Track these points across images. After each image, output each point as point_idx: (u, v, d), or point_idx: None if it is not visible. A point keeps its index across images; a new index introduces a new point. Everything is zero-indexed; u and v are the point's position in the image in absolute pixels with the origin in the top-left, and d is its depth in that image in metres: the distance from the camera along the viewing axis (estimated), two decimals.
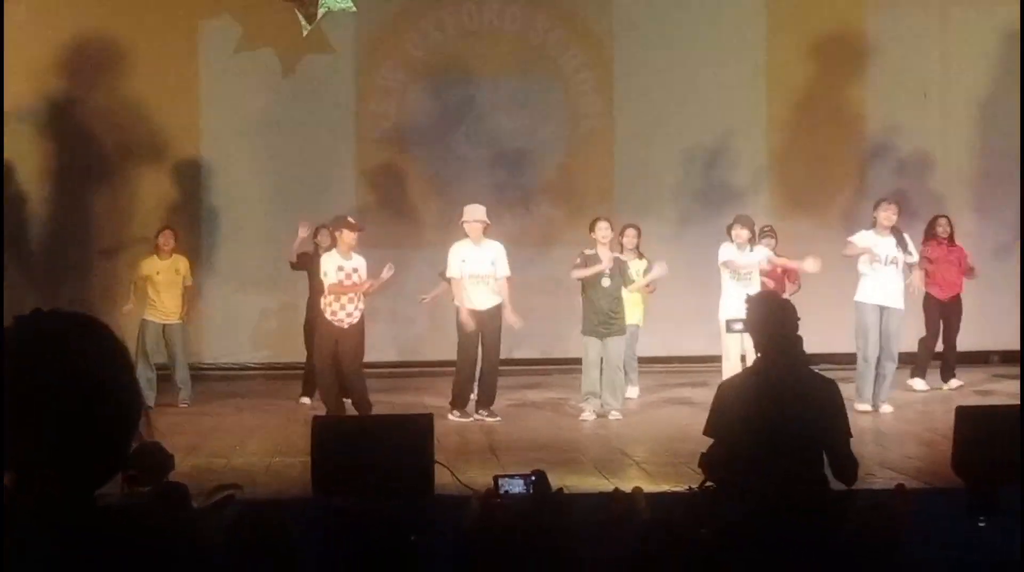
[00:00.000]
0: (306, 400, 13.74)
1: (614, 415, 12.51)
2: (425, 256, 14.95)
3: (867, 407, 12.67)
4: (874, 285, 12.82)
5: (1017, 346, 16.20)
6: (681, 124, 16.66)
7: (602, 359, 12.63)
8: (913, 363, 14.42)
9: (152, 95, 16.10)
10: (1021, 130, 15.14)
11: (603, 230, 12.72)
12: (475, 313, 12.63)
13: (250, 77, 16.35)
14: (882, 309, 12.82)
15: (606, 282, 12.60)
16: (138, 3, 16.06)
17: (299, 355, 14.24)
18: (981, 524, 7.34)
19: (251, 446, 11.15)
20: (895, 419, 12.44)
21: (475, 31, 16.81)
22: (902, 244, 12.94)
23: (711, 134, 16.72)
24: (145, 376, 13.00)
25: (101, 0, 16.01)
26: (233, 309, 16.29)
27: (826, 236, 15.60)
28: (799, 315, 6.61)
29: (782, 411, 6.27)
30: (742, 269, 12.75)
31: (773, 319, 6.49)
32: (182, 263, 13.95)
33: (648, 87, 16.70)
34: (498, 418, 12.53)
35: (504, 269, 12.77)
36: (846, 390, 12.89)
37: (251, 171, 16.48)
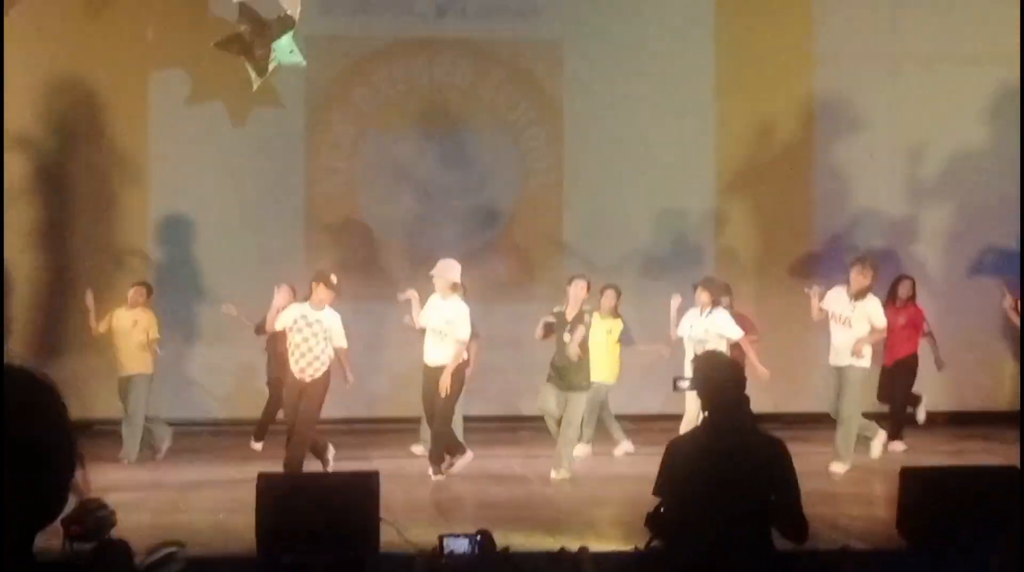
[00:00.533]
0: (258, 445, 13.80)
1: (560, 473, 12.42)
2: (374, 309, 14.92)
3: (839, 466, 12.72)
4: (834, 345, 12.92)
5: (959, 408, 16.35)
6: (631, 181, 16.72)
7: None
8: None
9: (102, 146, 16.04)
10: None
11: (576, 287, 12.73)
12: (430, 369, 12.58)
13: (200, 130, 16.31)
14: (836, 369, 12.90)
15: (567, 337, 12.60)
16: (89, 55, 16.02)
17: (245, 411, 14.20)
18: None
19: (195, 502, 11.06)
20: (841, 481, 12.45)
21: (426, 86, 16.84)
22: (862, 305, 12.92)
23: (660, 192, 16.76)
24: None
25: (52, 50, 15.95)
26: (180, 364, 16.18)
27: (775, 294, 15.70)
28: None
29: (729, 471, 6.26)
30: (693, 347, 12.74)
31: (719, 378, 6.50)
32: (143, 315, 13.88)
33: (598, 144, 16.76)
34: (442, 476, 12.43)
35: (461, 332, 12.67)
36: (811, 450, 13.11)
37: (200, 225, 16.42)
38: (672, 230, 16.81)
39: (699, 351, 12.03)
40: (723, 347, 12.52)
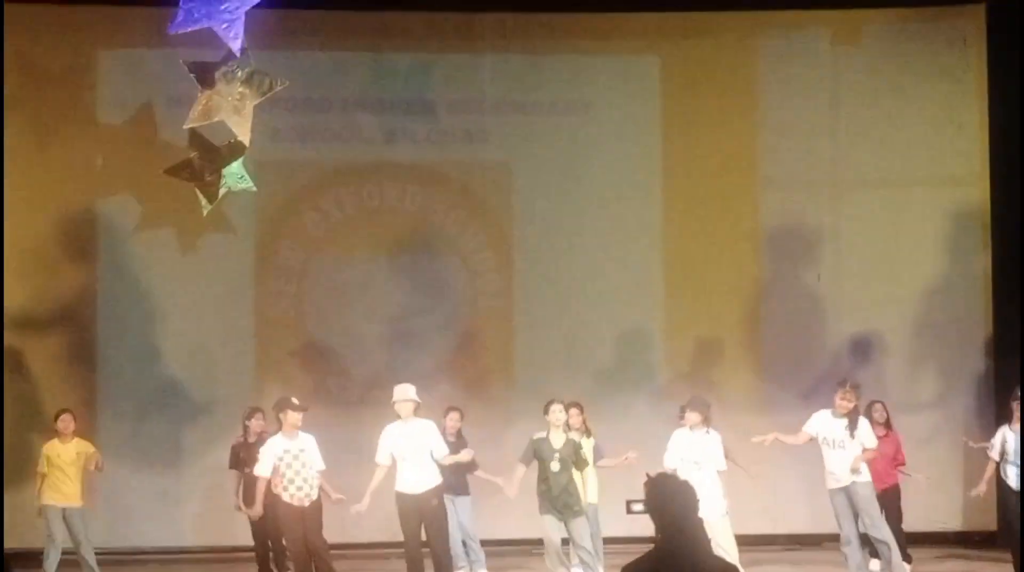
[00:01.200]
0: None
1: None
2: (323, 438, 14.80)
3: None
4: (829, 471, 12.95)
5: (930, 529, 16.26)
6: (581, 304, 16.76)
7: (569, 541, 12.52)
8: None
9: (50, 271, 15.95)
10: None
11: (556, 413, 12.64)
12: (412, 497, 12.42)
13: (150, 254, 16.29)
14: (843, 490, 12.88)
15: (555, 467, 12.49)
16: (36, 180, 15.96)
17: (198, 539, 14.00)
18: None
19: None
20: None
21: (375, 209, 16.87)
22: (853, 427, 12.98)
23: (612, 313, 16.80)
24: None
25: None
26: (130, 491, 15.99)
27: (724, 416, 15.66)
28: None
29: None
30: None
31: (672, 501, 6.43)
32: (84, 446, 13.76)
33: (548, 267, 16.81)
34: None
35: (440, 449, 12.59)
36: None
37: (148, 351, 16.32)
38: (623, 350, 16.79)
39: (695, 473, 12.00)
40: (714, 471, 12.51)
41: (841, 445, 12.90)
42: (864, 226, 17.09)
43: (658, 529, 6.41)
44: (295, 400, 12.58)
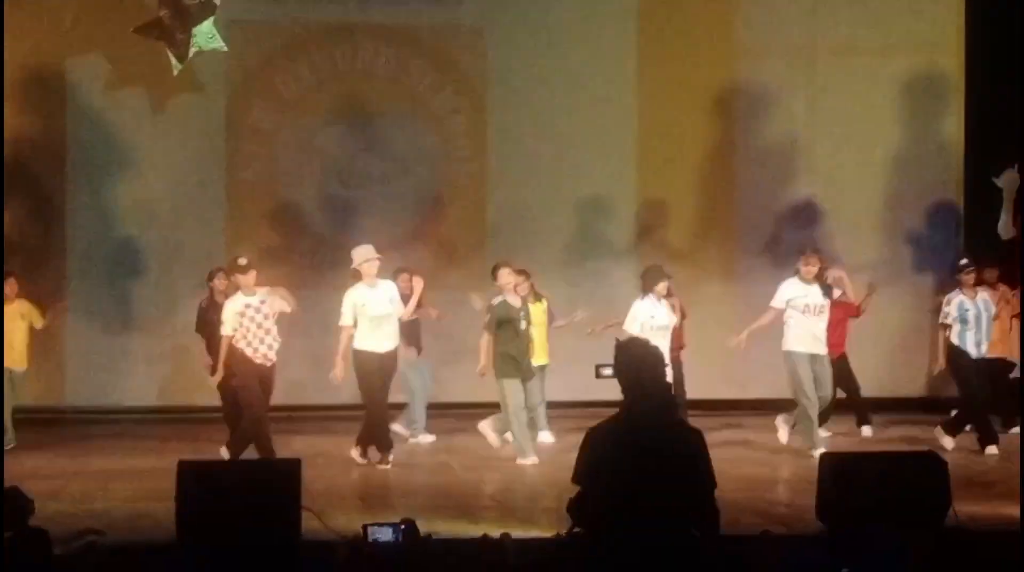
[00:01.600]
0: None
1: (530, 459, 12.43)
2: (297, 298, 14.84)
3: (822, 450, 12.80)
4: (802, 333, 12.99)
5: (882, 394, 16.51)
6: (554, 168, 16.74)
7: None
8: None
9: (20, 129, 15.84)
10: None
11: (506, 276, 12.68)
12: (376, 356, 12.46)
13: (119, 114, 16.19)
14: (811, 356, 12.97)
15: (523, 325, 12.60)
16: (8, 37, 15.79)
17: (164, 399, 14.11)
18: None
19: (115, 491, 10.96)
20: (763, 467, 12.53)
21: (348, 73, 16.76)
22: (827, 293, 13.13)
23: (584, 180, 16.80)
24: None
25: None
26: (98, 351, 16.06)
27: (695, 282, 15.78)
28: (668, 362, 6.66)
29: (645, 459, 6.26)
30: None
31: (637, 365, 6.48)
32: (25, 307, 13.75)
33: (521, 132, 16.77)
34: (390, 465, 12.38)
35: (401, 307, 12.67)
36: (731, 437, 13.17)
37: (119, 210, 16.29)
38: (594, 217, 16.83)
39: (662, 338, 12.13)
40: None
41: (820, 311, 13.02)
42: (838, 93, 17.11)
43: (625, 392, 6.47)
44: (241, 261, 12.50)
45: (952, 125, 17.19)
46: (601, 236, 16.80)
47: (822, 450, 12.56)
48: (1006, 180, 16.25)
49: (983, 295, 13.75)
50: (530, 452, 12.48)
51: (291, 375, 14.85)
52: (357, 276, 12.55)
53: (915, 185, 17.15)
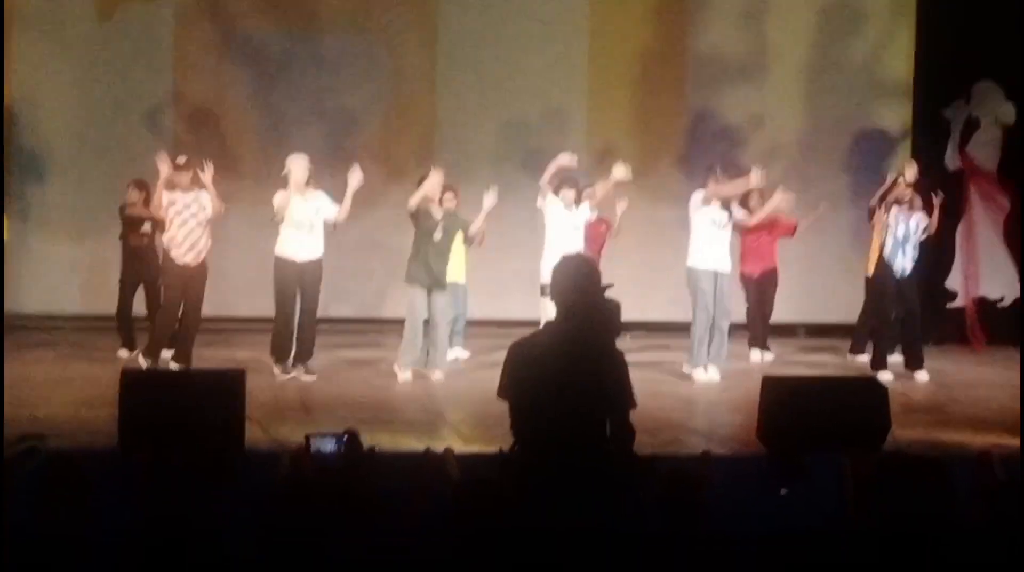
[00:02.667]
0: (124, 352, 13.65)
1: (437, 375, 12.49)
2: (241, 211, 14.78)
3: (702, 374, 12.83)
4: (707, 251, 12.98)
5: (825, 319, 16.66)
6: (503, 89, 16.69)
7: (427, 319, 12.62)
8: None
9: None
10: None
11: (434, 179, 12.66)
12: (294, 264, 12.46)
13: (66, 22, 16.01)
14: (715, 274, 13.00)
15: (438, 235, 12.58)
16: None
17: (106, 306, 14.07)
18: (783, 492, 7.50)
19: (58, 397, 10.94)
20: (706, 387, 12.62)
21: None
22: (727, 207, 13.16)
23: (533, 99, 16.77)
24: None
25: None
26: (42, 257, 15.98)
27: (642, 203, 15.78)
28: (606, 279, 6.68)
29: (565, 376, 6.32)
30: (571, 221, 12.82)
31: (572, 282, 6.52)
32: None
33: (471, 51, 16.69)
34: (314, 376, 12.44)
35: (331, 212, 12.56)
36: (680, 358, 13.25)
37: (64, 119, 16.16)
38: (543, 136, 16.78)
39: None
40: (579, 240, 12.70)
41: (725, 225, 13.08)
42: (791, 14, 17.11)
43: (557, 307, 6.50)
44: (180, 159, 12.50)
45: (903, 56, 17.20)
46: (550, 157, 16.72)
47: (699, 371, 12.71)
48: (955, 112, 16.38)
49: (917, 217, 13.75)
50: (405, 369, 12.51)
51: (225, 286, 14.82)
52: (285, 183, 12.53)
53: (864, 115, 17.19)
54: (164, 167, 12.57)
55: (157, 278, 13.46)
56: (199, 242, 12.41)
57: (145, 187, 13.60)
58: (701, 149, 16.86)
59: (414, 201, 12.55)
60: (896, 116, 17.25)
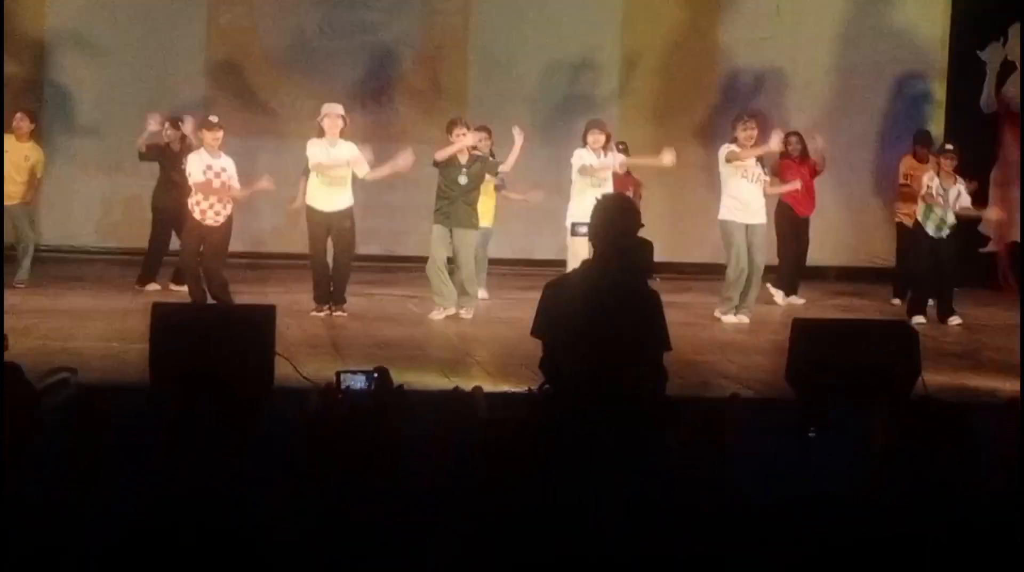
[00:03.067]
0: (153, 286, 13.69)
1: (464, 313, 12.51)
2: (275, 146, 14.82)
3: (732, 318, 12.83)
4: (738, 203, 12.89)
5: (855, 263, 16.63)
6: (538, 29, 16.65)
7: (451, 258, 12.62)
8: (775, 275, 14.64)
9: None
10: None
11: (461, 131, 12.61)
12: (323, 214, 12.48)
13: None
14: (747, 226, 12.93)
15: (463, 179, 12.54)
16: None
17: (140, 241, 14.11)
18: (811, 435, 7.49)
19: (88, 330, 10.99)
20: (737, 330, 12.61)
21: None
22: (760, 161, 13.05)
23: (566, 40, 16.70)
24: None
25: None
26: (74, 192, 16.07)
27: (676, 146, 15.70)
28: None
29: (601, 316, 6.30)
30: (599, 172, 12.73)
31: (611, 222, 6.48)
32: (35, 152, 13.77)
33: None
34: (345, 313, 12.49)
35: (363, 169, 12.60)
36: (709, 300, 13.24)
37: (96, 54, 16.18)
38: (576, 74, 16.74)
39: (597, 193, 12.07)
40: (608, 184, 12.63)
41: (757, 179, 12.98)
42: None
43: (595, 247, 6.47)
44: (212, 118, 12.51)
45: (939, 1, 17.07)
46: (582, 94, 16.71)
47: (731, 318, 12.71)
48: (990, 54, 16.21)
49: (959, 186, 13.49)
50: (443, 305, 12.52)
51: (264, 224, 14.86)
52: (320, 132, 12.51)
53: (899, 57, 17.07)
54: (188, 128, 12.73)
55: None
56: (223, 206, 12.38)
57: (179, 125, 13.62)
58: (732, 93, 16.79)
59: (441, 155, 12.50)
60: (931, 60, 17.13)
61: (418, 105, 16.36)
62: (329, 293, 12.60)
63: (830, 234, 15.93)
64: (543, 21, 16.62)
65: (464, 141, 12.51)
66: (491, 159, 13.03)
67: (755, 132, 12.92)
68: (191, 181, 12.29)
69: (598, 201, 6.67)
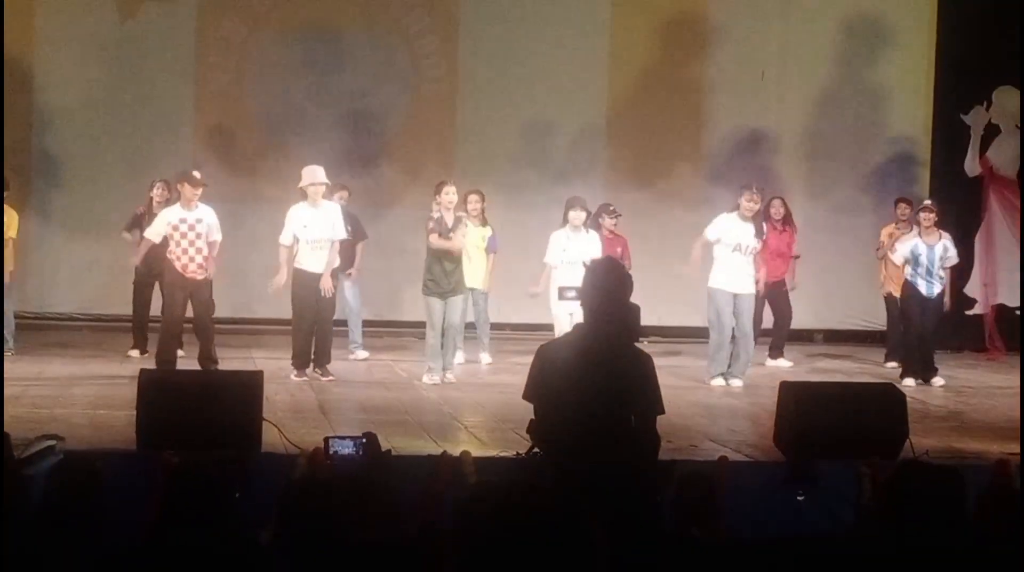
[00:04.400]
0: (135, 353, 13.66)
1: (448, 377, 12.50)
2: (261, 212, 14.81)
3: (720, 382, 12.82)
4: (727, 273, 12.88)
5: (840, 326, 16.66)
6: (523, 93, 16.70)
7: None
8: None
9: None
10: None
11: (449, 195, 12.62)
12: (312, 276, 12.51)
13: (88, 22, 16.05)
14: (734, 296, 12.93)
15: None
16: None
17: (126, 307, 14.11)
18: (799, 498, 7.49)
19: (75, 397, 10.96)
20: (725, 393, 12.60)
21: None
22: (759, 233, 13.03)
23: (552, 105, 16.77)
24: None
25: None
26: (62, 258, 16.03)
27: (661, 210, 15.81)
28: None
29: (594, 379, 6.28)
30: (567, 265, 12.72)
31: (602, 286, 6.48)
32: (7, 213, 13.68)
33: (492, 54, 16.72)
34: (332, 377, 12.46)
35: (342, 232, 12.69)
36: (696, 364, 13.23)
37: (86, 119, 16.20)
38: (562, 140, 16.81)
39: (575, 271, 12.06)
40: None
41: (750, 252, 12.95)
42: (808, 25, 17.12)
43: (586, 311, 6.47)
44: (196, 174, 12.60)
45: (923, 61, 17.18)
46: (570, 162, 16.75)
47: (719, 382, 12.70)
48: (974, 117, 16.31)
49: (944, 242, 13.53)
50: (433, 372, 12.51)
51: (251, 288, 14.85)
52: (303, 195, 12.58)
53: (883, 121, 17.18)
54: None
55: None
56: (203, 258, 12.41)
57: (170, 186, 13.66)
58: (716, 157, 16.88)
59: (436, 244, 12.52)
60: (915, 123, 17.22)
61: (405, 170, 16.41)
62: (309, 357, 12.58)
63: (816, 297, 15.96)
64: (528, 86, 16.69)
65: (455, 243, 12.50)
66: (466, 225, 13.00)
67: (758, 205, 12.95)
68: (145, 234, 12.40)
69: (588, 265, 6.69)
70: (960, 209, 15.70)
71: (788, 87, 17.14)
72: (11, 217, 13.62)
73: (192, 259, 12.32)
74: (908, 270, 13.43)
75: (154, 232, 12.47)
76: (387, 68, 16.67)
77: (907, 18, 17.18)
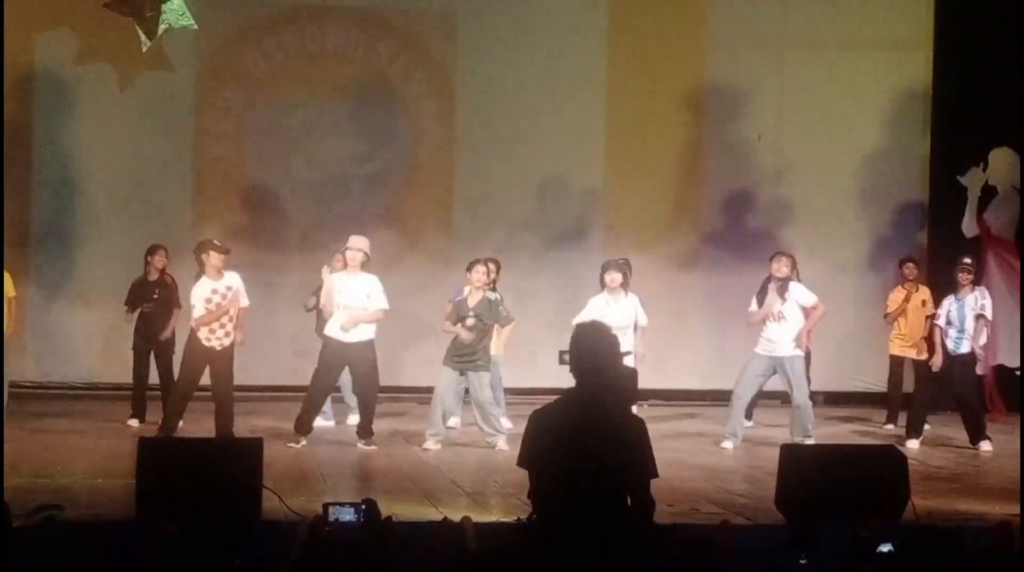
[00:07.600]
0: (134, 422, 13.62)
1: (497, 443, 12.41)
2: (259, 278, 14.81)
3: (728, 445, 12.80)
4: (766, 340, 12.95)
5: (840, 388, 16.64)
6: (522, 156, 16.77)
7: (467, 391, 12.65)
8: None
9: None
10: None
11: (479, 274, 12.65)
12: (343, 345, 12.48)
13: (87, 90, 16.12)
14: (770, 358, 12.95)
15: (470, 321, 12.54)
16: None
17: (125, 376, 14.07)
18: (802, 562, 7.44)
19: (75, 466, 10.93)
20: (723, 456, 12.57)
21: (318, 53, 16.75)
22: (783, 293, 12.95)
23: (551, 167, 16.84)
24: None
25: None
26: (60, 326, 16.02)
27: (663, 274, 15.83)
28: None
29: (584, 444, 6.25)
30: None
31: (589, 349, 6.46)
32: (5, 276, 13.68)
33: (490, 117, 16.79)
34: (375, 447, 12.42)
35: (380, 301, 12.62)
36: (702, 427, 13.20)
37: (85, 187, 16.24)
38: (561, 205, 16.85)
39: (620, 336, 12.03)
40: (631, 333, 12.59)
41: (782, 316, 12.95)
42: (806, 89, 17.19)
43: (575, 375, 6.44)
44: (216, 242, 12.59)
45: (919, 123, 17.26)
46: (568, 225, 16.80)
47: (728, 445, 12.69)
48: (971, 179, 16.37)
49: (976, 293, 13.68)
50: (431, 438, 12.48)
51: (257, 356, 14.84)
52: (340, 262, 12.59)
53: (881, 183, 17.23)
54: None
55: (167, 344, 13.55)
56: (229, 327, 12.40)
57: (166, 252, 13.67)
58: (716, 220, 16.92)
59: (444, 329, 12.57)
60: (913, 185, 17.27)
61: (404, 234, 16.44)
62: (312, 426, 12.55)
63: (818, 359, 15.92)
64: (528, 149, 16.76)
65: (462, 333, 12.50)
66: (501, 308, 12.97)
67: (789, 267, 13.00)
68: (194, 314, 12.30)
69: (576, 329, 6.65)
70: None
71: (785, 149, 17.20)
72: (7, 279, 13.64)
73: (222, 327, 12.30)
74: (949, 333, 13.50)
75: (198, 310, 12.35)
76: (385, 133, 16.74)
77: (905, 78, 17.26)
